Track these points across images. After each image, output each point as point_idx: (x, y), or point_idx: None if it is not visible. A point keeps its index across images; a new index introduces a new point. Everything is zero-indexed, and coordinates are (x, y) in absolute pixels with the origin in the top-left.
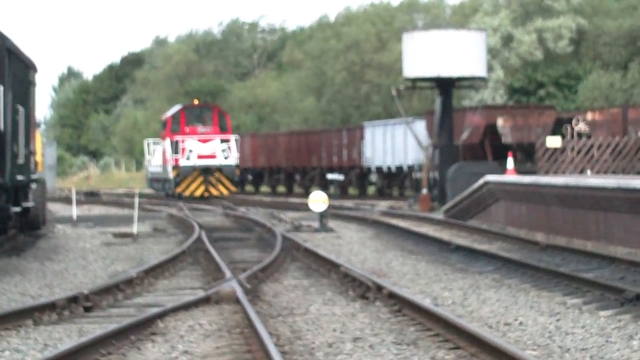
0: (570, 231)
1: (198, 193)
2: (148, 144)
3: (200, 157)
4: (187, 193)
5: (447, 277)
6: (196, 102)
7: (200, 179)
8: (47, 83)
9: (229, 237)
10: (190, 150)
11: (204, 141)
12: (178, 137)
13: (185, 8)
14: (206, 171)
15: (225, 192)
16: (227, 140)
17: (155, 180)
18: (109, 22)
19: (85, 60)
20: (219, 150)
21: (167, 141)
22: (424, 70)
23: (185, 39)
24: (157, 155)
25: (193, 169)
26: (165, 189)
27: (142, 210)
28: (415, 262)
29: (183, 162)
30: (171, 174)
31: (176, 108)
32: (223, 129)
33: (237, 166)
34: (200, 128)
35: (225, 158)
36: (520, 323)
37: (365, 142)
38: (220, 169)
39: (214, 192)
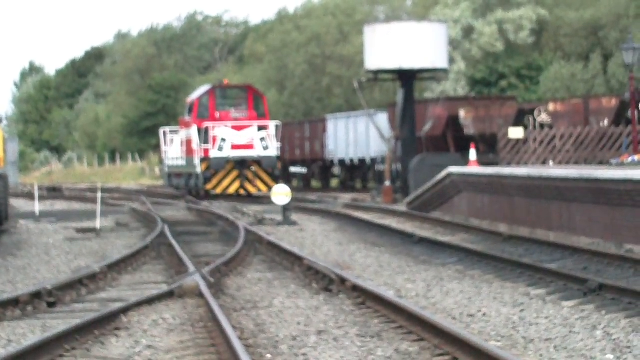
0: (533, 222)
1: (232, 190)
2: (165, 133)
3: (234, 147)
4: (218, 190)
5: (410, 269)
6: (226, 81)
7: (234, 174)
8: (9, 78)
9: (192, 231)
10: (223, 140)
11: (239, 128)
12: (207, 124)
13: (149, 2)
14: (242, 164)
15: (264, 188)
16: (265, 127)
17: (175, 176)
18: (72, 17)
19: (47, 55)
20: (257, 139)
21: (194, 128)
22: (386, 63)
23: (147, 33)
24: (176, 146)
25: (226, 161)
26: (190, 186)
27: (104, 205)
28: (379, 255)
29: (214, 154)
30: (199, 168)
31: (204, 89)
32: (260, 114)
33: (278, 158)
34: (234, 113)
35: (265, 148)
36: (484, 314)
37: (327, 135)
38: (258, 161)
39: (251, 188)
